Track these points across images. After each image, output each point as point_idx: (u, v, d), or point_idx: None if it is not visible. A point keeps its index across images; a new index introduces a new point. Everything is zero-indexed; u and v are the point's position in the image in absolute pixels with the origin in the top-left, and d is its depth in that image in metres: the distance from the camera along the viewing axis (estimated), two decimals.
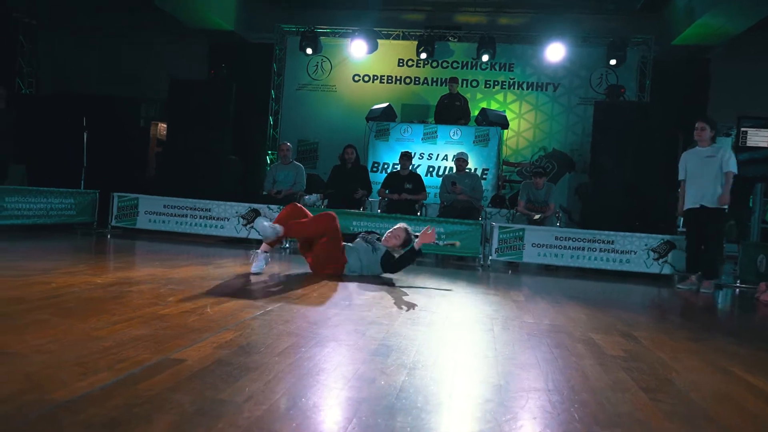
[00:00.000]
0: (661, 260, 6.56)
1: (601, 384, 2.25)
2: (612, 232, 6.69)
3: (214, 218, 7.31)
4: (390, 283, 4.68)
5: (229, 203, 7.34)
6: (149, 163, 11.72)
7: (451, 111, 9.96)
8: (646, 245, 6.60)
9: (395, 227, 4.98)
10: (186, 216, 7.35)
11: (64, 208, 7.04)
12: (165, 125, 10.66)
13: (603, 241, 6.66)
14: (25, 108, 10.82)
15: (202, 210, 7.33)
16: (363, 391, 1.94)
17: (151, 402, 1.68)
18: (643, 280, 6.51)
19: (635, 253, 6.61)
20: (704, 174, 5.89)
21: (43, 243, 5.88)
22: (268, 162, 11.35)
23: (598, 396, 2.09)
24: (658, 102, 10.10)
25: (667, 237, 6.64)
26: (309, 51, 11.06)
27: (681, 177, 6.17)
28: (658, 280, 6.65)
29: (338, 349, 2.46)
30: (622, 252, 6.62)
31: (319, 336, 2.66)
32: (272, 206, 7.24)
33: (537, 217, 7.41)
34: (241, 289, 3.88)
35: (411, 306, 3.69)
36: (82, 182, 8.00)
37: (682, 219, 6.97)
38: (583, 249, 6.67)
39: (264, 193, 8.03)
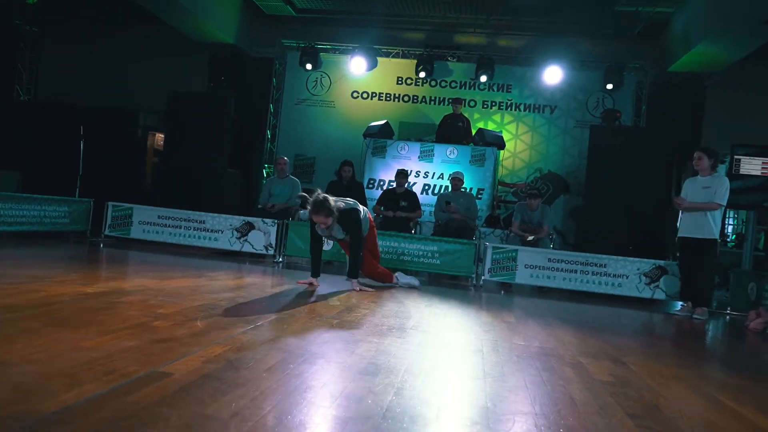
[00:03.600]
0: (652, 285, 6.58)
1: (589, 409, 2.25)
2: (605, 256, 6.71)
3: (208, 230, 7.30)
4: (381, 302, 4.68)
5: (223, 216, 7.35)
6: (146, 173, 11.72)
7: (453, 131, 10.01)
8: (638, 269, 6.62)
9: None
10: (180, 227, 7.34)
11: (58, 216, 7.03)
12: (163, 136, 10.69)
13: (596, 264, 6.68)
14: (21, 115, 10.83)
15: (197, 222, 7.32)
16: (350, 410, 1.94)
17: (137, 416, 1.68)
18: (636, 305, 6.53)
19: (627, 277, 6.62)
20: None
21: (35, 250, 5.87)
22: (265, 175, 11.37)
23: (585, 421, 2.10)
24: (653, 127, 10.20)
25: (659, 262, 6.66)
26: (309, 66, 11.14)
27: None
28: (650, 304, 6.67)
29: (326, 367, 2.46)
30: (614, 276, 6.64)
31: (307, 353, 2.66)
32: (267, 220, 7.24)
33: (530, 238, 7.43)
34: (232, 303, 3.87)
35: (401, 324, 3.69)
36: (77, 191, 7.99)
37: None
38: (576, 272, 6.69)
39: (259, 206, 8.04)
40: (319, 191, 4.90)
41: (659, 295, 6.58)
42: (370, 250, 5.54)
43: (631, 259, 6.69)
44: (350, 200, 5.19)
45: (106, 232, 7.49)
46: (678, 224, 6.15)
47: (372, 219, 5.52)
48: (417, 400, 2.12)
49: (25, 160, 9.89)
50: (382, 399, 2.08)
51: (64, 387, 1.86)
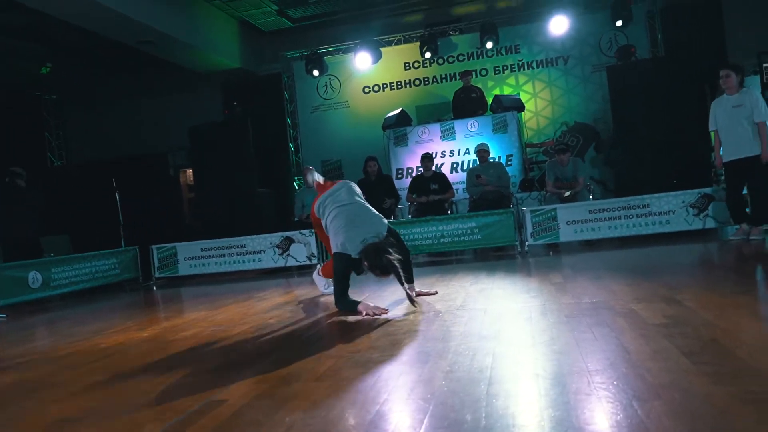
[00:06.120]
0: (701, 215, 6.37)
1: (642, 356, 2.21)
2: (646, 196, 6.52)
3: (250, 252, 7.44)
4: (426, 288, 4.68)
5: (262, 235, 7.47)
6: (184, 210, 12.02)
7: (468, 104, 9.91)
8: (683, 202, 6.42)
9: None
10: (224, 255, 7.51)
11: (108, 268, 7.29)
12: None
13: (638, 206, 6.50)
14: (58, 180, 11.26)
15: (238, 247, 7.48)
16: (400, 402, 1.96)
17: None
18: (688, 238, 6.34)
19: (674, 212, 6.42)
20: (735, 124, 5.70)
21: (93, 306, 6.10)
22: (297, 188, 11.50)
23: (639, 369, 2.07)
24: (673, 55, 9.82)
25: (704, 190, 6.44)
26: (315, 72, 11.18)
27: (711, 128, 5.99)
28: (703, 235, 6.47)
29: (376, 365, 2.49)
30: (660, 213, 6.45)
31: (357, 354, 2.69)
32: (304, 231, 7.33)
33: (567, 194, 7.29)
34: (281, 319, 3.95)
35: (448, 307, 3.70)
36: (122, 240, 8.27)
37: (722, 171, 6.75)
38: (620, 218, 6.52)
39: (295, 219, 8.14)
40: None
41: (710, 223, 6.37)
42: None
43: (673, 193, 6.48)
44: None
45: (156, 275, 7.72)
46: (717, 151, 5.95)
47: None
48: (466, 380, 2.13)
49: (69, 221, 10.28)
50: (432, 385, 2.10)
51: None
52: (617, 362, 2.17)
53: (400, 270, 3.51)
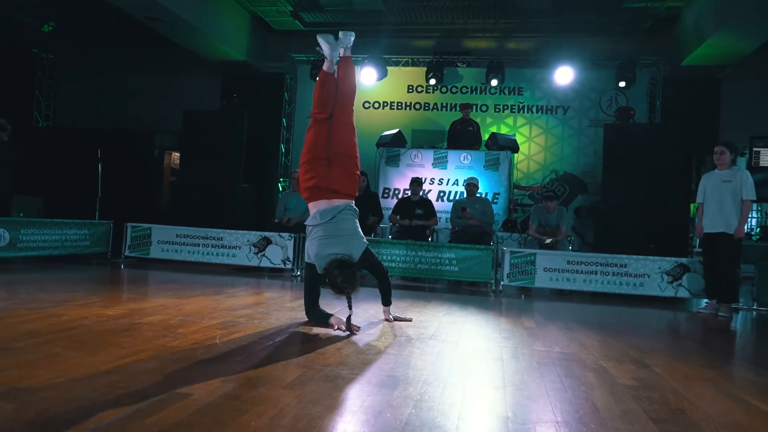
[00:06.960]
0: (675, 283, 6.47)
1: (611, 415, 2.22)
2: (625, 256, 6.62)
3: (226, 247, 7.35)
4: (401, 313, 4.66)
5: (240, 231, 7.39)
6: (164, 192, 11.87)
7: (463, 136, 10.00)
8: (659, 268, 6.52)
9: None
10: (198, 245, 7.40)
11: (79, 239, 7.13)
12: (178, 155, 10.81)
13: (616, 265, 6.59)
14: (41, 141, 11.03)
15: (214, 239, 7.37)
16: (368, 424, 1.93)
17: None
18: (659, 304, 6.43)
19: (649, 276, 6.52)
20: (722, 199, 5.82)
21: (58, 274, 5.94)
22: (281, 190, 11.44)
23: (607, 427, 2.07)
24: (668, 123, 10.08)
25: (681, 260, 6.56)
26: None
27: (699, 200, 6.09)
28: (673, 303, 6.57)
29: (345, 382, 2.46)
30: (635, 275, 6.54)
31: (327, 367, 2.66)
32: (283, 234, 7.27)
33: (548, 241, 7.36)
34: (251, 319, 3.89)
35: (420, 334, 3.68)
36: (97, 213, 8.11)
37: (698, 240, 6.86)
38: (596, 273, 6.60)
39: (275, 220, 8.07)
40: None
41: (683, 293, 6.47)
42: None
43: (652, 258, 6.59)
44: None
45: (126, 253, 7.57)
46: (700, 221, 6.05)
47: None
48: (436, 411, 2.11)
49: (45, 185, 10.06)
50: (401, 412, 2.07)
51: (85, 412, 1.88)
52: (586, 418, 2.17)
53: (350, 294, 3.58)
